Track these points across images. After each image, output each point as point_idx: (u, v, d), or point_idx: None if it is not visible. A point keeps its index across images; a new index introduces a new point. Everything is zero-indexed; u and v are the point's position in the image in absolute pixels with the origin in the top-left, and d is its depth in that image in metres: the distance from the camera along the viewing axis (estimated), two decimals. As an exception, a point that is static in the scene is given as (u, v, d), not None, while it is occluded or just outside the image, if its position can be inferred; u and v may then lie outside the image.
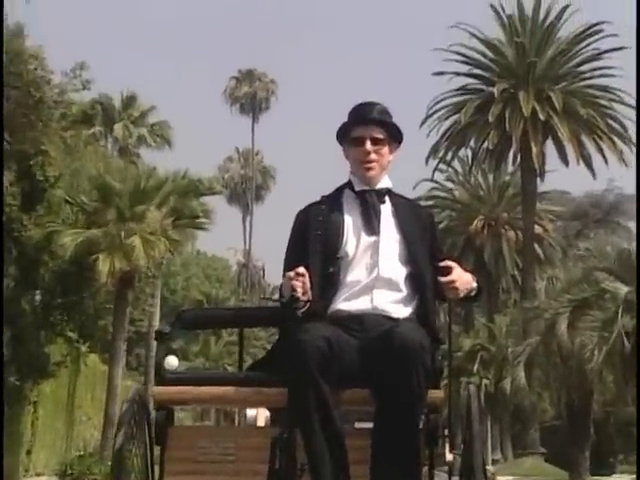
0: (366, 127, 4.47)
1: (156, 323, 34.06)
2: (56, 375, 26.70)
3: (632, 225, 59.48)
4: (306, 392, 3.96)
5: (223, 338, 46.22)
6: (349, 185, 4.55)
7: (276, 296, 4.38)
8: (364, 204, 4.47)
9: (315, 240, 4.35)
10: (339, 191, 4.56)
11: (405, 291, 4.36)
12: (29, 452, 27.05)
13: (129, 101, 44.44)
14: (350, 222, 4.43)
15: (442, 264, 4.30)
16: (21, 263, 24.63)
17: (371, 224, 4.41)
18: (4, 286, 22.85)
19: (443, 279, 4.26)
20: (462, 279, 4.32)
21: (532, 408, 36.68)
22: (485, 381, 44.11)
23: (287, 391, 4.05)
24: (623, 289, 27.03)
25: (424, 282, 4.37)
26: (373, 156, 4.47)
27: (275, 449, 3.86)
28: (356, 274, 4.34)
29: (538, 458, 39.60)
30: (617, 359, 26.67)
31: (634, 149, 40.10)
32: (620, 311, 26.47)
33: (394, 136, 4.55)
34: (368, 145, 4.45)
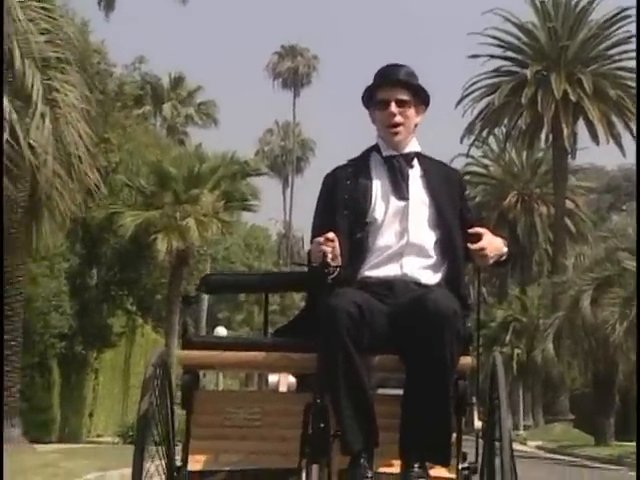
0: (391, 89, 4.36)
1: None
2: (117, 345, 28.81)
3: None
4: (337, 357, 3.92)
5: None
6: (376, 149, 4.46)
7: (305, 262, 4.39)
8: (392, 169, 4.37)
9: (343, 204, 4.28)
10: (366, 155, 4.47)
11: (435, 257, 4.29)
12: (91, 415, 29.04)
13: (177, 81, 46.35)
14: (378, 187, 4.34)
15: (471, 231, 4.21)
16: (85, 242, 26.69)
17: (400, 189, 4.33)
18: (68, 264, 24.91)
19: (472, 246, 4.17)
20: (492, 245, 4.22)
21: (561, 377, 38.17)
22: (517, 351, 45.94)
23: (316, 356, 4.00)
24: (643, 267, 28.80)
25: (454, 247, 4.29)
26: (399, 118, 4.36)
27: (308, 415, 3.82)
28: (385, 240, 4.27)
29: (567, 424, 41.21)
30: (633, 334, 28.52)
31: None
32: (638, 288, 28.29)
33: (420, 98, 4.44)
34: (393, 107, 4.34)
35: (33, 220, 12.01)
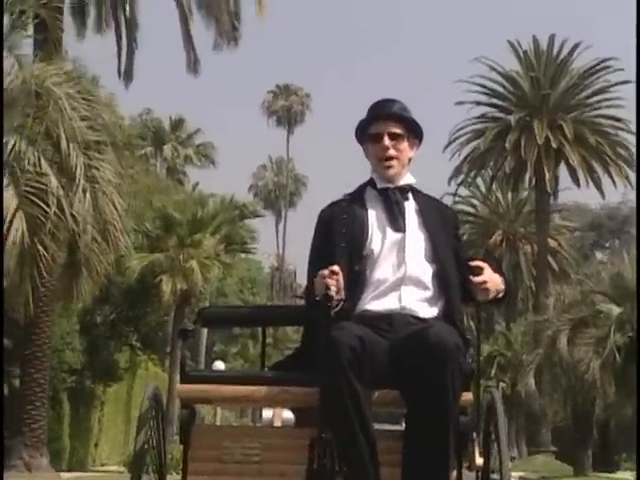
0: (384, 123, 4.34)
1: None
2: (122, 379, 30.55)
3: (646, 236, 62.81)
4: (340, 391, 3.84)
5: (260, 342, 49.72)
6: (371, 183, 4.42)
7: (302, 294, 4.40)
8: (387, 201, 4.34)
9: (340, 238, 4.22)
10: (361, 189, 4.43)
11: (432, 290, 4.23)
12: (96, 445, 30.64)
13: (177, 124, 48.33)
14: (375, 219, 4.30)
15: (473, 264, 4.17)
16: (95, 282, 28.52)
17: (396, 221, 4.29)
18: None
19: (475, 279, 4.12)
20: (493, 280, 4.17)
21: (542, 411, 39.53)
22: (502, 384, 47.57)
23: (316, 390, 3.94)
24: (616, 310, 30.62)
25: (450, 281, 4.24)
26: (392, 152, 4.33)
27: (314, 450, 3.77)
28: (383, 272, 4.22)
29: (549, 456, 42.47)
30: (610, 371, 30.34)
31: (640, 173, 43.87)
32: (613, 329, 30.09)
33: (414, 131, 4.41)
34: (386, 140, 4.32)
35: (73, 278, 13.98)
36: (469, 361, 4.07)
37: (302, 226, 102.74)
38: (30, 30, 14.86)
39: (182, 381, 4.23)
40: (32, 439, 18.93)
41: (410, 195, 4.39)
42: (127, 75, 19.36)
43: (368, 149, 4.41)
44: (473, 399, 4.06)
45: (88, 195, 13.43)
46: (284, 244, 75.32)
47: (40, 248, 13.05)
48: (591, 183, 44.31)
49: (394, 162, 4.35)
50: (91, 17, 19.63)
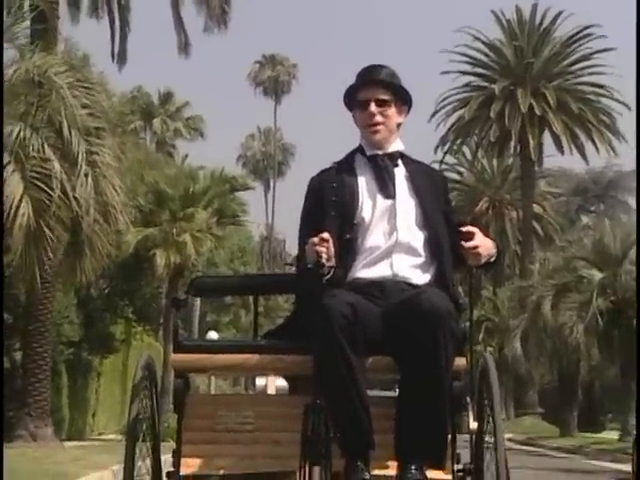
0: (370, 89, 4.31)
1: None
2: (118, 350, 31.27)
3: (630, 200, 63.47)
4: (334, 358, 3.86)
5: (252, 311, 50.45)
6: (360, 150, 4.40)
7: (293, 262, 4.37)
8: (377, 168, 4.31)
9: (330, 206, 4.21)
10: (350, 156, 4.41)
11: (424, 256, 4.22)
12: (94, 415, 31.20)
13: (166, 97, 48.86)
14: (364, 186, 4.28)
15: (465, 229, 4.15)
16: (90, 256, 29.22)
17: (386, 188, 4.27)
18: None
19: (466, 244, 4.11)
20: (484, 244, 4.16)
21: (529, 373, 40.44)
22: (490, 349, 48.45)
23: (310, 358, 3.95)
24: (597, 275, 31.51)
25: (442, 247, 4.22)
26: (379, 118, 4.31)
27: (308, 417, 3.75)
28: (374, 239, 4.20)
29: (536, 417, 43.58)
30: (593, 334, 31.26)
31: (622, 139, 44.71)
32: (595, 294, 30.98)
33: (401, 97, 4.37)
34: (373, 107, 4.29)
35: (76, 258, 14.74)
36: (461, 326, 4.05)
37: (291, 195, 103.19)
38: (28, 21, 15.44)
39: (175, 350, 4.21)
40: (37, 410, 19.75)
41: (399, 161, 4.37)
42: (120, 58, 20.05)
43: (356, 116, 4.39)
44: (466, 364, 4.04)
45: (90, 179, 14.14)
46: (273, 214, 75.93)
47: (46, 230, 13.81)
48: (575, 150, 45.14)
49: (381, 127, 4.32)
50: (85, 2, 20.28)
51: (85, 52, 28.29)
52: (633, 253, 31.75)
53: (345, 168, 4.34)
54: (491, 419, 3.92)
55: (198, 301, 39.53)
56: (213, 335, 37.87)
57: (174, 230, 30.08)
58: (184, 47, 20.62)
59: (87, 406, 30.47)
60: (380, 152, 4.35)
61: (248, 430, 4.17)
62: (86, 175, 14.17)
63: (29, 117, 14.05)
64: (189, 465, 4.12)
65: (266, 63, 73.29)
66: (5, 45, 14.42)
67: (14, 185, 13.61)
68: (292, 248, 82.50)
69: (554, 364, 36.13)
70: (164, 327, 32.08)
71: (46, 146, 14.05)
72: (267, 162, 76.33)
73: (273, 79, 72.81)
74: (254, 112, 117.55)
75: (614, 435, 33.80)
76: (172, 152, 47.88)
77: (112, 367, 32.34)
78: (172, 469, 4.14)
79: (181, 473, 4.11)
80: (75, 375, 28.80)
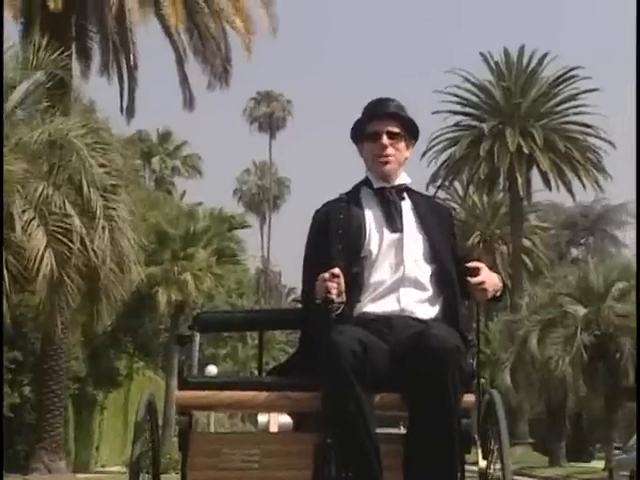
0: (382, 121, 4.28)
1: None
2: (122, 385, 32.39)
3: (618, 232, 64.86)
4: (343, 396, 3.78)
5: (249, 344, 51.70)
6: (366, 182, 4.36)
7: (298, 297, 4.35)
8: (384, 201, 4.27)
9: (337, 239, 4.14)
10: (357, 189, 4.36)
11: (431, 290, 4.17)
12: (97, 448, 32.27)
13: (164, 137, 50.21)
14: (372, 219, 4.23)
15: (471, 265, 4.10)
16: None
17: (393, 221, 4.22)
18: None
19: (472, 280, 4.07)
20: (490, 280, 4.12)
21: (519, 405, 41.01)
22: (482, 380, 49.44)
23: (317, 395, 3.89)
24: (581, 310, 32.71)
25: (450, 281, 4.17)
26: (390, 150, 4.27)
27: (319, 455, 3.72)
28: (381, 274, 4.15)
29: (527, 447, 44.17)
30: (578, 368, 32.40)
31: (608, 177, 46.16)
32: (579, 329, 32.19)
33: (410, 131, 4.37)
34: (384, 139, 4.26)
35: (94, 305, 16.07)
36: (470, 361, 4.02)
37: (286, 228, 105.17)
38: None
39: (180, 387, 4.16)
40: (51, 445, 21.03)
41: (406, 194, 4.34)
42: (129, 112, 21.42)
43: (365, 148, 4.35)
44: (474, 400, 4.00)
45: (107, 232, 15.49)
46: (269, 246, 77.04)
47: (66, 279, 15.12)
48: (562, 186, 46.41)
49: (392, 159, 4.29)
50: (95, 61, 21.65)
51: (91, 98, 29.67)
52: (615, 289, 33.11)
53: (352, 200, 4.29)
54: (499, 458, 3.82)
55: (199, 336, 40.53)
56: (212, 369, 38.70)
57: (175, 269, 31.42)
58: (189, 102, 22.00)
59: (91, 439, 31.49)
60: (387, 185, 4.32)
61: (254, 468, 4.10)
62: (103, 228, 15.48)
63: (51, 176, 15.32)
64: None
65: (261, 99, 74.51)
66: (28, 110, 15.81)
67: (38, 238, 14.88)
68: (288, 280, 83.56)
69: (542, 396, 36.81)
70: (166, 362, 33.20)
71: (67, 203, 15.31)
72: (263, 196, 77.25)
73: (268, 115, 74.07)
74: (250, 147, 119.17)
75: (601, 465, 34.79)
76: (171, 190, 49.14)
77: (115, 401, 33.21)
78: None
79: None
80: (80, 409, 29.75)
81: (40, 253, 14.86)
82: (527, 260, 51.03)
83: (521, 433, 45.38)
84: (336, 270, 3.93)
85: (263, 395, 4.09)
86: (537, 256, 52.90)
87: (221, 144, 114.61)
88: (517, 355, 35.60)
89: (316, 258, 4.14)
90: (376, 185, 4.31)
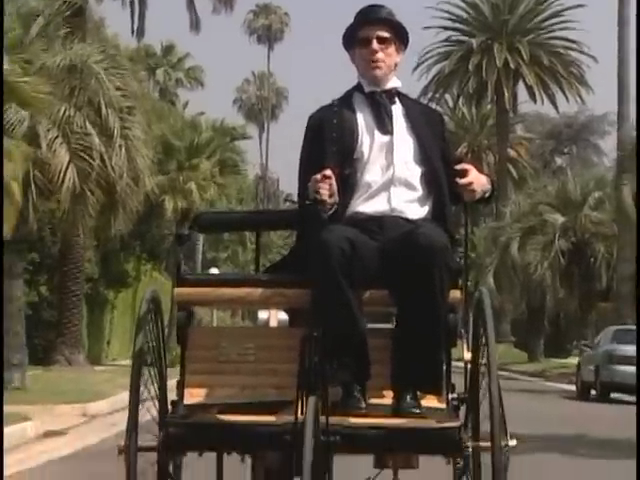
0: (372, 26, 4.20)
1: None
2: (131, 286, 33.60)
3: (600, 142, 65.76)
4: (330, 292, 3.82)
5: (248, 248, 52.70)
6: (358, 88, 4.28)
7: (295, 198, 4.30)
8: (375, 104, 4.21)
9: (331, 142, 4.11)
10: (349, 94, 4.29)
11: (421, 191, 4.13)
12: (108, 342, 33.61)
13: (168, 49, 50.67)
14: (363, 123, 4.17)
15: (459, 167, 4.02)
16: (107, 201, 31.57)
17: (384, 124, 4.17)
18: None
19: (461, 181, 3.99)
20: (479, 181, 4.05)
21: (501, 306, 41.66)
22: (468, 282, 50.42)
23: (310, 292, 3.89)
24: (560, 219, 33.92)
25: (439, 182, 4.12)
26: (380, 55, 4.19)
27: (305, 348, 3.65)
28: (372, 174, 4.11)
29: (509, 345, 44.98)
30: (556, 272, 33.71)
31: (590, 90, 47.01)
32: (557, 236, 33.43)
33: (401, 36, 4.27)
34: (375, 44, 4.18)
35: (111, 215, 17.21)
36: (457, 260, 3.98)
37: (284, 137, 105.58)
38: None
39: (178, 284, 4.12)
40: (71, 340, 22.37)
41: (397, 98, 4.26)
42: (139, 32, 22.25)
43: (356, 53, 4.28)
44: (461, 297, 4.00)
45: (123, 150, 16.54)
46: (267, 154, 77.59)
47: (87, 192, 16.24)
48: (546, 99, 47.30)
49: (382, 64, 4.21)
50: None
51: (100, 16, 30.31)
52: (591, 199, 34.29)
53: (344, 105, 4.23)
54: (486, 350, 3.80)
55: (201, 238, 41.64)
56: (215, 271, 40.04)
57: (181, 178, 32.40)
58: (195, 25, 22.82)
59: (103, 335, 32.76)
60: (378, 89, 4.25)
61: (249, 361, 4.11)
62: (120, 147, 16.52)
63: (73, 98, 16.26)
64: (192, 395, 4.08)
65: (259, 12, 74.52)
66: (49, 36, 16.71)
67: (62, 155, 15.92)
68: (285, 186, 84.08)
69: (523, 297, 38.29)
70: (169, 263, 34.22)
71: (87, 123, 16.30)
72: (262, 105, 77.51)
73: (266, 27, 74.17)
74: (249, 58, 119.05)
75: (576, 361, 36.04)
76: (174, 100, 49.78)
77: (124, 300, 34.36)
78: (176, 398, 4.08)
79: (185, 402, 4.05)
80: (93, 308, 30.91)
81: (64, 168, 15.87)
82: (512, 169, 51.91)
83: (503, 332, 46.42)
84: (327, 172, 3.90)
85: (258, 291, 4.09)
86: (522, 165, 53.82)
87: (221, 56, 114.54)
88: (500, 260, 36.96)
89: (311, 161, 4.13)
90: (367, 89, 4.26)
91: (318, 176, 3.88)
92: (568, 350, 46.10)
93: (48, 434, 11.39)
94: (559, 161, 67.67)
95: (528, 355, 40.38)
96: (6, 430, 10.13)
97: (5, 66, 12.77)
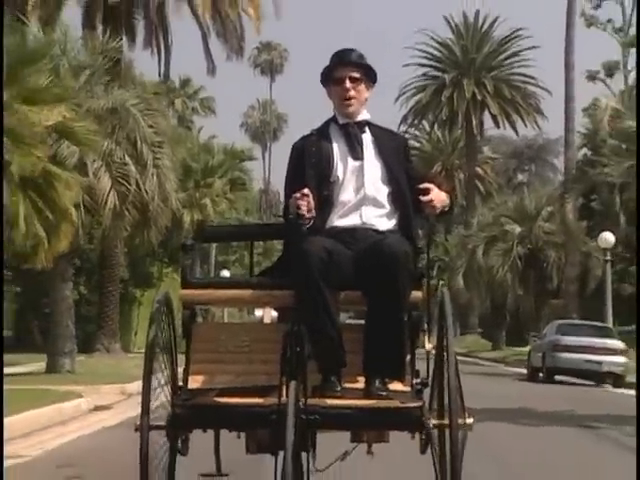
0: (345, 68, 4.30)
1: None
2: (155, 286, 34.48)
3: (555, 161, 66.54)
4: (311, 294, 3.90)
5: (254, 252, 53.08)
6: (334, 119, 4.37)
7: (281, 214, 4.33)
8: (348, 134, 4.31)
9: (311, 167, 4.21)
10: (326, 125, 4.37)
11: (388, 207, 4.23)
12: (135, 333, 33.95)
13: (185, 82, 51.61)
14: (338, 151, 4.28)
15: (422, 186, 4.12)
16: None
17: (356, 151, 4.27)
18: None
19: (423, 198, 4.10)
20: (438, 198, 4.14)
21: (469, 302, 43.01)
22: (442, 282, 51.06)
23: (294, 293, 3.97)
24: (517, 229, 34.80)
25: (404, 199, 4.22)
26: (352, 93, 4.29)
27: (287, 341, 3.73)
28: (346, 195, 4.23)
29: (476, 335, 46.66)
30: (515, 274, 34.57)
31: (545, 118, 48.08)
32: (515, 243, 34.31)
33: (369, 75, 4.37)
34: (347, 83, 4.28)
35: (144, 230, 18.24)
36: (419, 265, 4.09)
37: (284, 155, 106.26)
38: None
39: (183, 286, 4.17)
40: (109, 331, 23.32)
41: (367, 128, 4.34)
42: (165, 77, 23.27)
43: (332, 90, 4.35)
44: (423, 297, 4.07)
45: (155, 177, 17.48)
46: (269, 170, 78.15)
47: (125, 212, 17.29)
48: (508, 126, 48.38)
49: (353, 101, 4.30)
50: (139, 38, 23.51)
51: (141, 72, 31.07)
52: (545, 212, 35.24)
53: (322, 135, 4.32)
54: (445, 340, 3.94)
55: (214, 246, 42.59)
56: (226, 273, 41.05)
57: (197, 195, 33.40)
58: (211, 70, 23.89)
59: (131, 327, 33.35)
60: (351, 121, 4.33)
61: (244, 352, 4.18)
62: (152, 174, 17.50)
63: (114, 135, 17.17)
64: (196, 380, 4.14)
65: (262, 49, 74.82)
66: (92, 82, 17.74)
67: (105, 182, 16.91)
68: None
69: (488, 295, 39.04)
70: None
71: (125, 155, 17.20)
72: (265, 128, 78.07)
73: (268, 61, 74.86)
74: (254, 88, 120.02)
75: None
76: (190, 126, 50.65)
77: (149, 298, 34.12)
78: (182, 384, 4.14)
79: (189, 387, 4.12)
80: (124, 304, 31.87)
81: (107, 192, 16.84)
82: (480, 185, 52.60)
83: (472, 324, 47.68)
84: (305, 190, 3.99)
85: (250, 293, 4.17)
86: (488, 182, 54.28)
87: (230, 87, 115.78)
88: (468, 263, 37.71)
89: (294, 183, 4.20)
90: (341, 121, 4.34)
91: (297, 194, 3.98)
92: (526, 340, 46.21)
93: (98, 408, 11.95)
94: (520, 177, 68.38)
95: (492, 344, 41.13)
96: (66, 405, 11.05)
97: (64, 113, 13.68)
